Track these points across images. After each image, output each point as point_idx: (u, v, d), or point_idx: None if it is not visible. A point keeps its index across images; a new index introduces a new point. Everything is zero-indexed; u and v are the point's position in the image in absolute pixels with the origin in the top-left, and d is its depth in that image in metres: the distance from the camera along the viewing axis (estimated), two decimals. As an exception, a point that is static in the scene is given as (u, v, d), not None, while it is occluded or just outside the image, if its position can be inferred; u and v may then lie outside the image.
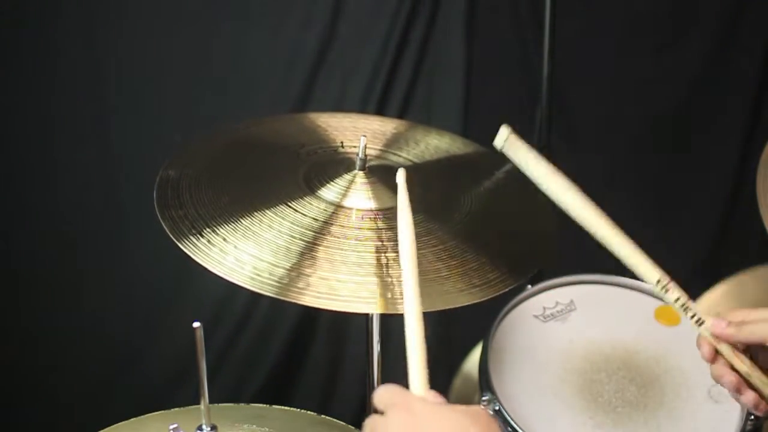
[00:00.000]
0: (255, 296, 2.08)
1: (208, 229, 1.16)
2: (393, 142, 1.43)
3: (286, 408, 1.23)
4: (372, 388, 1.35)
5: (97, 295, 2.15)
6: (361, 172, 1.29)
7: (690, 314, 1.03)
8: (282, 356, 2.21)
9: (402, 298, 1.10)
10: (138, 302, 2.18)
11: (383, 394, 0.87)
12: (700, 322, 1.03)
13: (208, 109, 2.09)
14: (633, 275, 1.46)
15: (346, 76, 2.11)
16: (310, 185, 1.27)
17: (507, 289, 1.20)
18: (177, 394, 2.14)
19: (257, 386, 2.20)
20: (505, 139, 1.05)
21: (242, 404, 1.25)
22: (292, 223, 1.19)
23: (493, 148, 1.51)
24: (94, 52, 2.01)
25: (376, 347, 1.32)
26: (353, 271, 1.13)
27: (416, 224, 1.22)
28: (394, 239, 1.19)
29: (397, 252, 1.17)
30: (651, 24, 2.26)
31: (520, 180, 1.45)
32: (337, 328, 2.24)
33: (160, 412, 1.21)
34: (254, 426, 1.18)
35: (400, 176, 1.16)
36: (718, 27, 2.25)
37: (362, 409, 2.08)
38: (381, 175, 1.30)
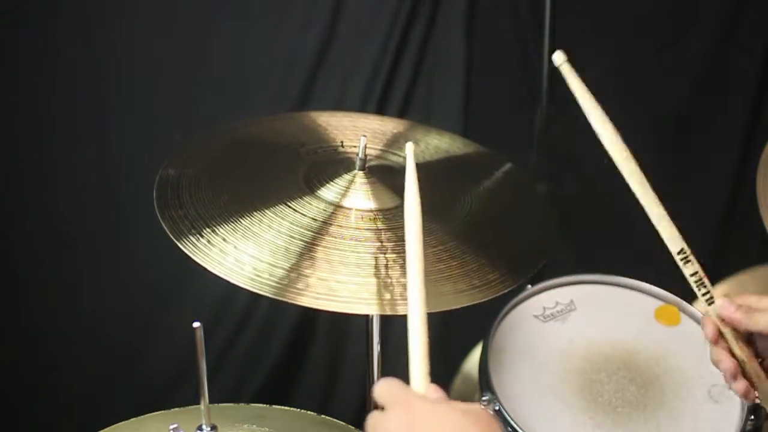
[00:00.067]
0: (255, 296, 2.08)
1: (207, 229, 1.16)
2: (393, 142, 1.43)
3: (286, 408, 1.23)
4: (372, 389, 1.35)
5: (97, 295, 2.15)
6: (361, 172, 1.29)
7: (703, 291, 1.04)
8: (282, 356, 2.21)
9: (402, 299, 1.10)
10: (138, 302, 2.18)
11: (384, 389, 0.87)
12: (710, 301, 1.04)
13: (208, 109, 2.09)
14: (632, 275, 1.47)
15: (346, 76, 2.11)
16: (309, 185, 1.27)
17: (507, 290, 1.20)
18: (177, 394, 2.14)
19: (257, 386, 2.20)
20: (562, 61, 1.06)
21: (242, 404, 1.25)
22: (291, 223, 1.19)
23: (493, 149, 1.51)
24: (94, 52, 2.01)
25: (376, 347, 1.32)
26: (353, 271, 1.13)
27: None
28: (394, 240, 1.19)
29: (396, 252, 1.17)
30: (651, 24, 2.26)
31: (519, 180, 1.46)
32: (337, 329, 2.24)
33: (160, 412, 1.21)
34: (254, 426, 1.18)
35: (409, 149, 1.14)
36: (718, 27, 2.25)
37: (362, 409, 2.08)
38: (381, 175, 1.29)
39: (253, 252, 1.13)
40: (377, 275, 1.13)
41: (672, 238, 1.05)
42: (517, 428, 1.28)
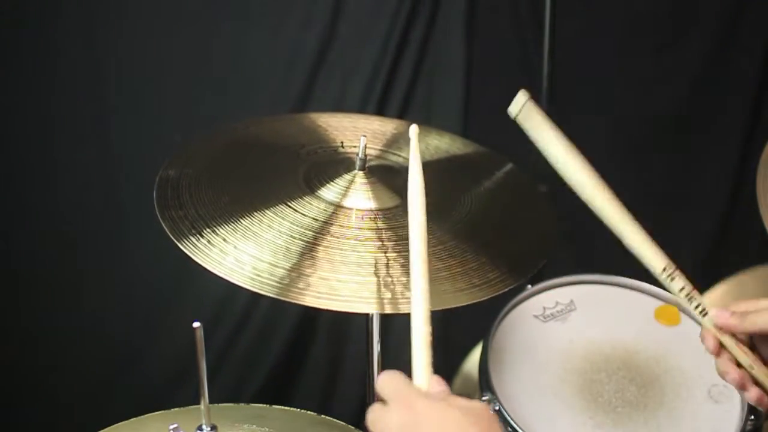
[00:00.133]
0: (255, 296, 2.08)
1: (208, 230, 1.16)
2: (393, 142, 1.43)
3: (286, 408, 1.23)
4: (372, 388, 1.35)
5: (97, 295, 2.15)
6: (361, 172, 1.29)
7: (694, 304, 1.03)
8: (282, 356, 2.21)
9: (403, 298, 1.10)
10: (138, 302, 2.18)
11: (386, 383, 0.86)
12: (703, 313, 1.03)
13: (208, 109, 2.09)
14: (633, 275, 1.47)
15: (346, 76, 2.11)
16: (310, 185, 1.27)
17: (507, 289, 1.20)
18: (177, 394, 2.14)
19: (257, 386, 2.20)
20: (521, 105, 1.01)
21: (242, 404, 1.25)
22: (291, 223, 1.19)
23: (493, 149, 1.51)
24: (94, 52, 2.01)
25: (376, 347, 1.32)
26: (353, 271, 1.13)
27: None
28: (394, 239, 1.19)
29: (397, 251, 1.17)
30: (651, 24, 2.26)
31: (519, 180, 1.45)
32: (337, 328, 2.24)
33: (160, 412, 1.21)
34: (254, 426, 1.18)
35: (413, 132, 1.13)
36: (718, 27, 2.25)
37: (362, 409, 2.08)
38: (381, 175, 1.30)
39: (254, 252, 1.13)
40: (378, 274, 1.13)
41: (652, 260, 1.03)
42: (517, 428, 1.28)
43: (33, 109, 2.03)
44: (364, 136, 1.29)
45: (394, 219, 1.22)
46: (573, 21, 2.07)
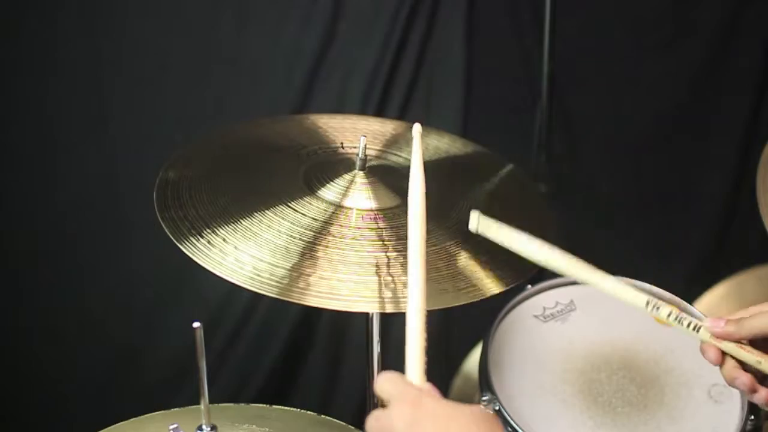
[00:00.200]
0: (255, 296, 2.08)
1: (208, 230, 1.16)
2: (393, 143, 1.43)
3: (286, 408, 1.23)
4: (372, 388, 1.35)
5: (97, 295, 2.15)
6: (361, 172, 1.29)
7: (685, 324, 1.03)
8: (282, 356, 2.21)
9: (403, 297, 1.10)
10: (138, 302, 2.18)
11: (386, 384, 0.85)
12: (697, 329, 1.03)
13: (208, 110, 2.09)
14: (632, 275, 1.47)
15: (346, 76, 2.11)
16: (310, 185, 1.27)
17: (507, 289, 1.20)
18: (177, 394, 2.14)
19: (257, 386, 2.20)
20: (477, 222, 1.06)
21: (242, 404, 1.25)
22: (292, 223, 1.19)
23: (493, 149, 1.51)
24: (94, 51, 2.01)
25: (376, 347, 1.32)
26: (353, 270, 1.13)
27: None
28: (394, 239, 1.19)
29: (397, 251, 1.17)
30: (651, 24, 2.26)
31: (519, 180, 1.46)
32: (337, 328, 2.24)
33: (160, 412, 1.21)
34: (254, 426, 1.18)
35: (416, 131, 1.13)
36: (718, 26, 2.25)
37: (362, 409, 2.08)
38: (381, 175, 1.30)
39: (254, 252, 1.13)
40: (378, 273, 1.13)
41: (634, 299, 1.04)
42: (517, 428, 1.28)
43: (33, 109, 2.03)
44: (364, 136, 1.29)
45: (394, 219, 1.22)
46: (573, 21, 2.07)
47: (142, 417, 1.19)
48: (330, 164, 1.33)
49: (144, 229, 1.75)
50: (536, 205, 1.44)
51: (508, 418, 1.28)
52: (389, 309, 1.10)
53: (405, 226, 1.16)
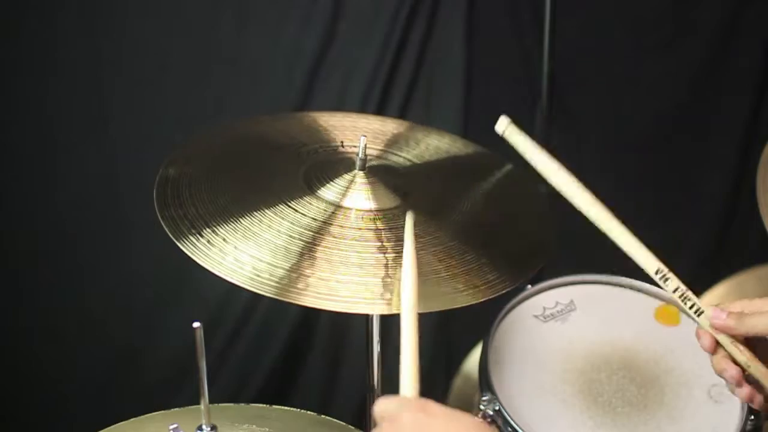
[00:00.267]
0: (255, 296, 2.08)
1: (207, 229, 1.16)
2: (393, 143, 1.43)
3: (286, 408, 1.23)
4: (372, 388, 1.35)
5: (97, 295, 2.15)
6: (361, 172, 1.29)
7: (689, 305, 1.03)
8: (282, 356, 2.21)
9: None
10: (138, 302, 2.18)
11: (387, 404, 0.86)
12: (699, 313, 1.03)
13: (208, 110, 2.09)
14: (633, 275, 1.47)
15: (346, 76, 2.11)
16: (310, 185, 1.27)
17: (506, 290, 1.20)
18: (177, 394, 2.14)
19: (257, 386, 2.20)
20: (504, 128, 1.05)
21: (242, 404, 1.25)
22: (291, 223, 1.19)
23: (493, 149, 1.51)
24: (94, 51, 2.01)
25: (376, 347, 1.32)
26: (352, 271, 1.13)
27: (416, 225, 1.22)
28: (394, 240, 1.19)
29: (396, 252, 1.17)
30: (651, 24, 2.26)
31: (519, 180, 1.45)
32: (337, 328, 2.24)
33: (160, 412, 1.21)
34: (254, 426, 1.18)
35: (409, 219, 1.15)
36: (718, 26, 2.25)
37: (362, 409, 2.08)
38: (381, 175, 1.29)
39: (253, 252, 1.13)
40: (377, 275, 1.13)
41: (646, 261, 1.04)
42: (517, 428, 1.28)
43: (33, 109, 2.03)
44: (364, 136, 1.29)
45: (393, 219, 1.22)
46: (573, 21, 2.07)
47: (142, 417, 1.19)
48: (330, 163, 1.32)
49: (144, 228, 1.75)
50: (536, 205, 1.43)
51: (508, 418, 1.28)
52: (388, 311, 1.10)
53: (404, 226, 1.16)
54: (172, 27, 2.02)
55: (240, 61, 2.08)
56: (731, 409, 1.32)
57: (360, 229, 1.20)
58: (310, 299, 1.09)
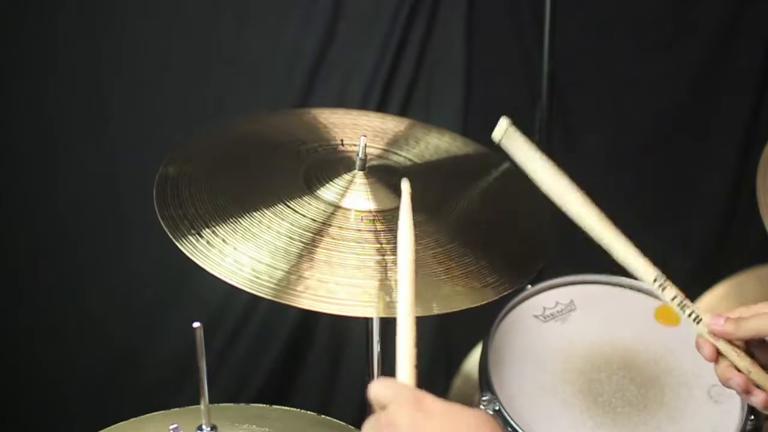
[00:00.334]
0: (255, 297, 2.07)
1: (207, 230, 1.16)
2: (393, 142, 1.42)
3: (286, 408, 1.23)
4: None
5: (97, 295, 2.15)
6: (361, 172, 1.28)
7: (687, 312, 1.03)
8: (282, 356, 2.21)
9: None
10: (138, 302, 2.18)
11: (383, 389, 0.84)
12: (697, 320, 1.03)
13: (208, 109, 2.09)
14: (632, 275, 1.47)
15: (346, 76, 2.11)
16: (309, 185, 1.27)
17: (506, 293, 1.19)
18: (177, 394, 2.14)
19: (257, 386, 2.20)
20: (504, 131, 1.04)
21: (242, 404, 1.25)
22: (291, 224, 1.19)
23: (493, 149, 1.51)
24: (94, 51, 2.01)
25: (376, 347, 1.32)
26: (352, 273, 1.13)
27: (415, 226, 1.21)
28: (394, 241, 1.18)
29: (395, 254, 1.16)
30: (651, 24, 2.26)
31: (519, 181, 1.45)
32: (337, 328, 2.24)
33: (160, 412, 1.21)
34: (254, 426, 1.18)
35: (405, 186, 1.14)
36: (718, 26, 2.25)
37: (362, 409, 2.08)
38: (381, 175, 1.29)
39: (253, 253, 1.13)
40: (376, 277, 1.13)
41: (643, 271, 1.04)
42: (517, 428, 1.28)
43: (33, 109, 2.03)
44: (364, 136, 1.29)
45: (393, 221, 1.22)
46: (573, 21, 2.07)
47: (142, 417, 1.19)
48: (330, 162, 1.32)
49: (144, 229, 1.75)
50: (536, 206, 1.43)
51: (508, 418, 1.28)
52: (387, 313, 1.10)
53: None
54: (172, 27, 2.02)
55: (240, 61, 2.08)
56: (731, 409, 1.32)
57: (359, 230, 1.19)
58: (309, 302, 1.09)
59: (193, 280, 2.07)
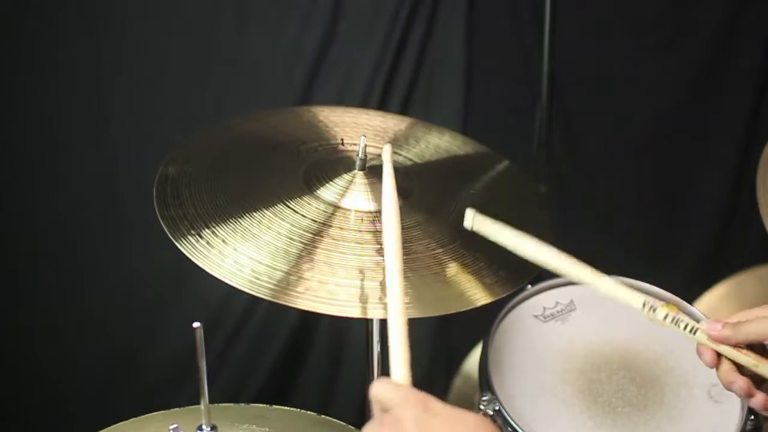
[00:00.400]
0: (255, 297, 2.08)
1: (207, 230, 1.16)
2: (393, 141, 1.42)
3: (286, 408, 1.23)
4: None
5: (97, 295, 2.15)
6: (361, 172, 1.28)
7: (682, 326, 1.03)
8: (282, 356, 2.21)
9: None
10: (138, 302, 2.18)
11: (385, 390, 0.84)
12: (694, 331, 1.03)
13: (208, 109, 2.09)
14: (632, 275, 1.47)
15: (346, 76, 2.11)
16: (309, 185, 1.26)
17: (505, 295, 1.19)
18: (177, 394, 2.14)
19: (257, 386, 2.20)
20: (471, 219, 1.07)
21: (242, 404, 1.25)
22: (291, 224, 1.18)
23: (493, 148, 1.51)
24: (94, 51, 2.01)
25: (376, 347, 1.32)
26: (351, 274, 1.12)
27: (415, 226, 1.22)
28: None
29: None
30: (651, 24, 2.26)
31: (519, 181, 1.45)
32: (338, 328, 2.24)
33: (160, 412, 1.21)
34: (254, 426, 1.18)
35: (386, 152, 1.14)
36: (718, 26, 2.26)
37: (362, 409, 2.08)
38: (381, 175, 1.28)
39: (253, 254, 1.13)
40: (376, 278, 1.13)
41: (631, 300, 1.05)
42: (517, 428, 1.28)
43: (33, 109, 2.03)
44: (364, 136, 1.28)
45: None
46: (573, 21, 2.07)
47: (142, 417, 1.19)
48: (330, 162, 1.32)
49: (144, 229, 1.75)
50: (536, 206, 1.43)
51: (508, 418, 1.28)
52: (385, 315, 1.10)
53: (405, 228, 1.16)
54: (172, 27, 2.02)
55: (240, 61, 2.08)
56: (731, 409, 1.32)
57: (359, 231, 1.19)
58: (308, 302, 1.09)
59: (192, 280, 2.07)
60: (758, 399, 1.02)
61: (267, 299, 1.09)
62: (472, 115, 2.16)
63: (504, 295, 1.19)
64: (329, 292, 1.10)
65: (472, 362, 1.94)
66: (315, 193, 1.25)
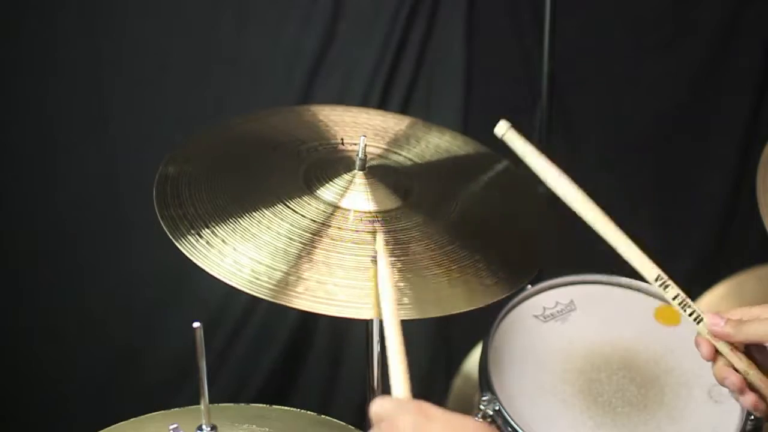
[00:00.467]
0: (255, 297, 2.08)
1: (207, 230, 1.15)
2: (393, 141, 1.42)
3: (286, 408, 1.23)
4: (372, 389, 1.35)
5: (97, 295, 2.15)
6: (361, 172, 1.28)
7: (689, 311, 1.03)
8: (282, 356, 2.21)
9: (400, 303, 1.10)
10: (138, 302, 2.18)
11: (383, 404, 0.85)
12: (698, 320, 1.03)
13: (208, 109, 2.09)
14: (633, 275, 1.47)
15: (346, 76, 2.11)
16: (309, 185, 1.26)
17: (505, 295, 1.19)
18: (177, 394, 2.14)
19: (257, 386, 2.20)
20: (503, 133, 1.06)
21: (242, 404, 1.25)
22: (291, 224, 1.18)
23: (494, 148, 1.51)
24: (94, 51, 2.01)
25: (376, 347, 1.32)
26: (351, 275, 1.12)
27: (415, 227, 1.22)
28: (392, 242, 1.18)
29: (395, 256, 1.16)
30: (651, 24, 2.26)
31: (519, 181, 1.45)
32: (338, 329, 2.24)
33: (160, 412, 1.21)
34: (254, 426, 1.18)
35: (379, 239, 1.15)
36: (718, 26, 2.25)
37: (362, 409, 2.08)
38: (380, 175, 1.29)
39: (252, 254, 1.13)
40: (375, 279, 1.12)
41: (645, 268, 1.04)
42: (517, 428, 1.28)
43: (33, 109, 2.03)
44: (364, 135, 1.28)
45: (392, 222, 1.22)
46: (573, 21, 2.07)
47: (142, 417, 1.19)
48: (330, 162, 1.31)
49: (144, 229, 1.75)
50: (536, 206, 1.43)
51: (508, 418, 1.28)
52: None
53: (404, 229, 1.16)
54: (172, 27, 2.02)
55: (240, 61, 2.08)
56: (731, 409, 1.32)
57: (358, 231, 1.19)
58: (308, 303, 1.08)
59: (192, 280, 2.07)
60: (749, 398, 1.02)
61: (266, 299, 1.08)
62: (472, 115, 2.16)
63: (504, 296, 1.19)
64: (328, 292, 1.10)
65: (472, 362, 1.94)
66: (315, 193, 1.25)
